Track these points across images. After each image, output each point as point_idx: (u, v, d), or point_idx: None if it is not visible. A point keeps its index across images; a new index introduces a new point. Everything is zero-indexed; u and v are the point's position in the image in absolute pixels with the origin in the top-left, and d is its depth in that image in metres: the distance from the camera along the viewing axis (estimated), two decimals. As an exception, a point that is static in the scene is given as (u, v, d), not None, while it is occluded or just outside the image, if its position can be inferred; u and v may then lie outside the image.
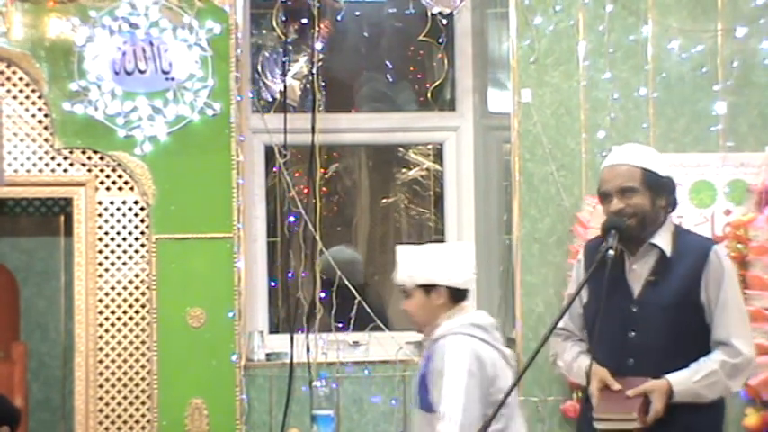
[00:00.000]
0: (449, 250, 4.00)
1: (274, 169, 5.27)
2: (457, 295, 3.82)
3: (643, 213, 3.47)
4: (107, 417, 4.80)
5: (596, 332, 3.42)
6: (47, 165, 4.81)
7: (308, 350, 5.00)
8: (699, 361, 3.42)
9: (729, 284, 3.48)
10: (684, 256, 3.48)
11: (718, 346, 3.44)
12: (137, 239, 4.83)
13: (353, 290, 5.14)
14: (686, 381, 3.38)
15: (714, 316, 3.45)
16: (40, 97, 4.81)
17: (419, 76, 5.76)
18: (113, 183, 4.84)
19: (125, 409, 4.81)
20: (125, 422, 4.81)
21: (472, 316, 3.82)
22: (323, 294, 5.14)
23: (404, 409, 5.01)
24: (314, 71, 5.18)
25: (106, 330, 4.81)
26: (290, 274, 5.19)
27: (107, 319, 4.81)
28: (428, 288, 3.80)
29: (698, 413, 3.42)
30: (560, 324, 3.67)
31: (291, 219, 5.20)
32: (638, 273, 3.52)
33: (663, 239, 3.51)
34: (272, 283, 5.30)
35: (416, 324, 3.88)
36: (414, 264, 3.82)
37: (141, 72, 4.80)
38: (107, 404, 4.80)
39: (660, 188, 3.51)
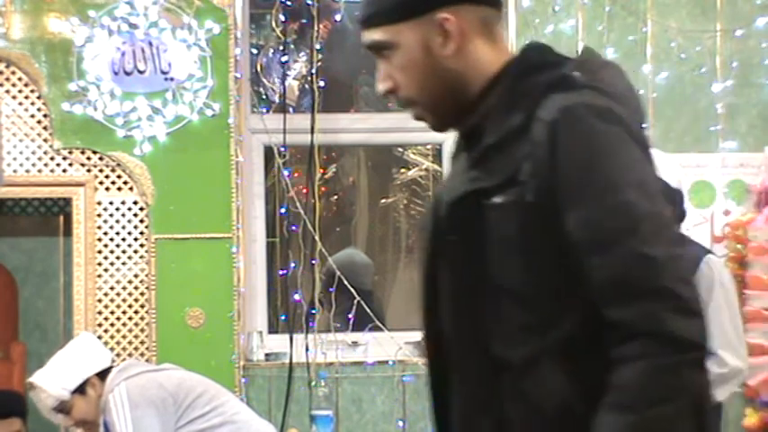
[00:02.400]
0: (78, 347, 4.06)
1: (273, 169, 5.28)
2: (105, 374, 3.92)
3: None
4: (106, 417, 4.80)
5: None
6: (46, 165, 4.81)
7: (306, 350, 5.00)
8: None
9: (721, 294, 3.45)
10: None
11: None
12: (136, 240, 4.83)
13: (353, 290, 5.14)
14: None
15: None
16: (39, 97, 4.80)
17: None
18: (113, 183, 4.84)
19: (124, 410, 4.81)
20: (124, 422, 4.81)
21: (113, 373, 3.92)
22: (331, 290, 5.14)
23: (403, 410, 5.01)
24: (313, 71, 5.18)
25: (105, 330, 4.81)
26: (283, 272, 5.19)
27: (106, 319, 4.81)
28: (82, 388, 3.88)
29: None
30: None
31: (293, 227, 5.19)
32: None
33: None
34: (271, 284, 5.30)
35: (93, 425, 3.92)
36: (55, 379, 3.89)
37: (140, 72, 4.80)
38: (106, 404, 4.80)
39: (669, 199, 3.48)
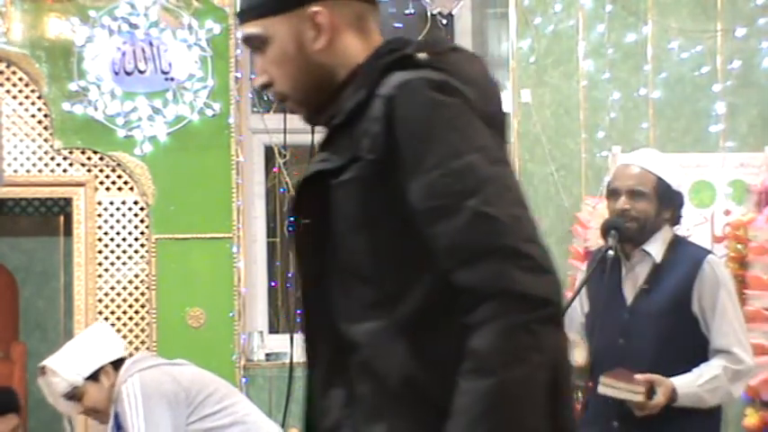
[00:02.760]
0: (94, 335, 4.02)
1: (274, 169, 5.27)
2: (118, 364, 3.89)
3: (645, 220, 3.45)
4: (107, 417, 4.80)
5: (594, 338, 3.43)
6: (46, 165, 4.81)
7: (307, 350, 5.00)
8: (700, 366, 3.41)
9: (726, 293, 3.46)
10: (678, 266, 3.47)
11: (719, 354, 3.43)
12: (136, 239, 4.83)
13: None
14: (690, 384, 3.37)
15: (713, 325, 3.43)
16: (39, 97, 4.81)
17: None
18: (113, 183, 4.84)
19: (125, 410, 4.81)
20: (125, 422, 4.81)
21: (128, 363, 3.90)
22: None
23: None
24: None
25: (106, 330, 4.81)
26: (290, 274, 5.19)
27: (107, 319, 4.81)
28: (95, 375, 3.85)
29: (695, 416, 3.42)
30: None
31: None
32: (634, 280, 3.51)
33: (655, 247, 3.49)
34: (272, 283, 5.30)
35: (103, 414, 3.90)
36: (70, 365, 3.86)
37: (141, 72, 4.80)
38: (107, 404, 4.81)
39: (669, 200, 3.49)
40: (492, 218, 1.67)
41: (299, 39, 1.87)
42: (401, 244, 1.77)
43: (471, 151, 1.71)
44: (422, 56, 1.82)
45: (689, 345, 3.45)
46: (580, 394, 4.37)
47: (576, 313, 3.62)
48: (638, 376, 3.34)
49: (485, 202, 1.68)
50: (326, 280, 1.84)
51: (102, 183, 4.83)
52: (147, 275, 4.82)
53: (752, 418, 4.74)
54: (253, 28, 1.90)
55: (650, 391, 3.33)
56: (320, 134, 1.91)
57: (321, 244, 1.84)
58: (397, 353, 1.76)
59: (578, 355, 3.59)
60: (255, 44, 1.91)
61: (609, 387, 3.34)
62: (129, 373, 3.81)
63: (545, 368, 1.66)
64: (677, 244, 3.54)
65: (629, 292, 3.50)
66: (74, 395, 3.87)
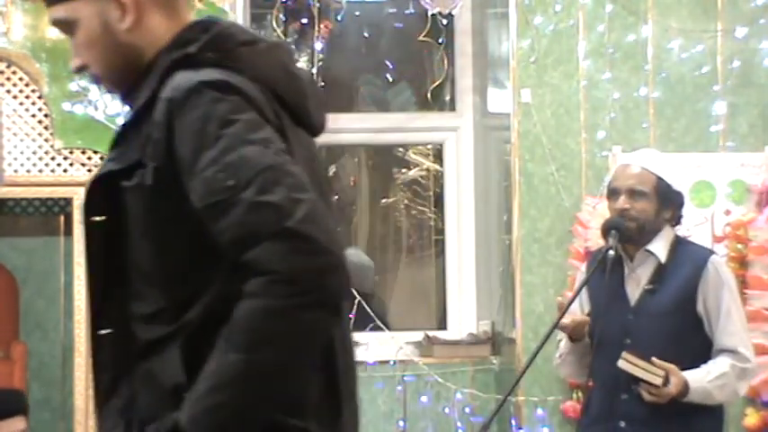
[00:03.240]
0: None
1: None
2: None
3: (645, 220, 3.46)
4: (107, 417, 4.79)
5: (596, 339, 3.43)
6: (47, 165, 4.81)
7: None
8: (708, 363, 3.42)
9: (730, 294, 3.47)
10: (682, 266, 3.47)
11: (725, 353, 3.44)
12: (137, 239, 4.83)
13: (354, 290, 5.14)
14: (701, 380, 3.38)
15: (717, 325, 3.44)
16: (39, 97, 4.80)
17: (419, 77, 5.76)
18: (113, 183, 4.83)
19: (125, 409, 4.80)
20: (125, 422, 4.80)
21: None
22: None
23: (404, 410, 5.01)
24: (314, 71, 5.18)
25: (106, 330, 4.80)
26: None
27: (107, 319, 4.80)
28: None
29: (698, 414, 3.43)
30: (561, 335, 3.70)
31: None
32: (637, 281, 3.52)
33: (659, 247, 3.49)
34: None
35: None
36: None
37: (141, 72, 4.79)
38: (107, 404, 4.80)
39: (669, 200, 3.49)
40: (269, 204, 1.67)
41: (105, 20, 1.87)
42: (187, 253, 1.77)
43: (246, 144, 1.71)
44: (207, 54, 1.82)
45: (693, 345, 3.45)
46: (581, 394, 4.37)
47: (576, 313, 3.63)
48: (656, 361, 3.34)
49: (260, 190, 1.68)
50: (117, 282, 1.84)
51: (102, 183, 4.83)
52: (147, 275, 4.81)
53: (752, 418, 4.74)
54: (58, 12, 1.90)
55: (666, 379, 3.34)
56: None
57: (114, 244, 1.83)
58: (175, 361, 1.77)
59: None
60: (63, 28, 1.91)
61: (630, 364, 3.33)
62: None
63: (300, 354, 1.67)
64: (680, 244, 3.54)
65: (633, 293, 3.51)
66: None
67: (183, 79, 1.77)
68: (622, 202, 3.48)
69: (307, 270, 1.65)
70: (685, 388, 3.35)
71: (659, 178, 3.47)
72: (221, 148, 1.71)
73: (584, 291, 3.62)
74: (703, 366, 3.40)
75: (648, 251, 3.49)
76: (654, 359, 3.33)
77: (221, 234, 1.70)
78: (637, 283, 3.51)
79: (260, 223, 1.66)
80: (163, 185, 1.76)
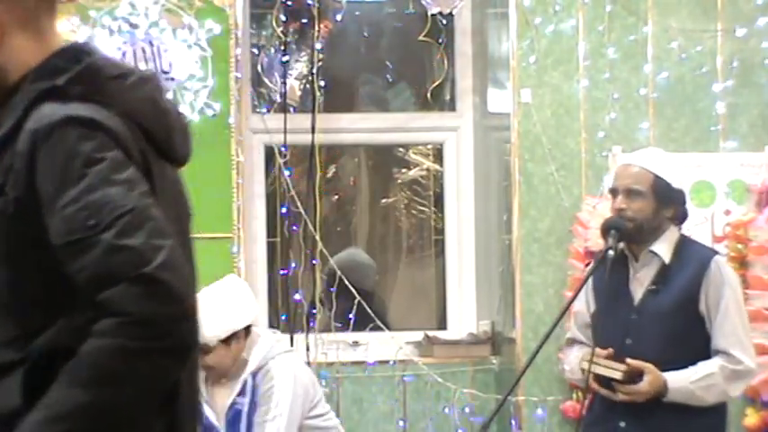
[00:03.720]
0: (234, 293, 3.87)
1: (274, 169, 5.27)
2: (249, 328, 3.83)
3: (642, 219, 3.45)
4: (107, 417, 4.80)
5: (599, 337, 3.43)
6: (46, 165, 4.81)
7: (307, 350, 5.00)
8: (697, 364, 3.41)
9: (730, 294, 3.46)
10: (685, 266, 3.47)
11: (718, 355, 3.43)
12: (136, 239, 4.83)
13: (354, 290, 5.14)
14: (683, 380, 3.38)
15: (714, 325, 3.44)
16: (39, 97, 4.80)
17: (419, 77, 5.76)
18: (113, 183, 4.83)
19: (125, 410, 4.80)
20: (125, 422, 4.80)
21: (271, 338, 3.89)
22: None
23: (404, 410, 5.01)
24: (314, 71, 5.18)
25: (106, 330, 4.80)
26: (284, 271, 5.19)
27: (107, 319, 4.80)
28: (229, 339, 3.76)
29: (699, 414, 3.42)
30: (568, 335, 3.73)
31: (294, 227, 5.19)
32: (641, 281, 3.51)
33: (663, 247, 3.49)
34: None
35: (216, 373, 3.80)
36: (207, 326, 3.64)
37: (141, 72, 4.79)
38: (107, 404, 4.80)
39: (668, 198, 3.48)
40: (129, 248, 1.68)
41: None
42: (41, 284, 1.77)
43: (110, 184, 1.72)
44: (75, 87, 1.81)
45: (696, 344, 3.45)
46: (581, 394, 4.37)
47: (583, 312, 3.63)
48: (630, 360, 3.35)
49: (120, 233, 1.69)
50: None
51: (102, 183, 4.83)
52: (147, 275, 4.81)
53: (752, 418, 4.74)
54: None
55: (635, 376, 3.34)
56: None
57: None
58: (15, 386, 1.77)
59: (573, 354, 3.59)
60: None
61: (589, 362, 3.34)
62: (276, 351, 3.78)
63: (142, 396, 1.68)
64: (684, 244, 3.54)
65: (637, 293, 3.51)
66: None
67: (50, 111, 1.77)
68: (619, 201, 3.48)
69: (159, 315, 1.67)
70: (663, 387, 3.35)
71: (657, 177, 3.46)
72: (84, 186, 1.71)
73: (590, 291, 3.62)
74: (691, 367, 3.40)
75: (653, 252, 3.49)
76: (628, 360, 3.34)
77: (78, 272, 1.71)
78: (641, 284, 3.51)
79: (118, 266, 1.68)
80: (23, 216, 1.76)
